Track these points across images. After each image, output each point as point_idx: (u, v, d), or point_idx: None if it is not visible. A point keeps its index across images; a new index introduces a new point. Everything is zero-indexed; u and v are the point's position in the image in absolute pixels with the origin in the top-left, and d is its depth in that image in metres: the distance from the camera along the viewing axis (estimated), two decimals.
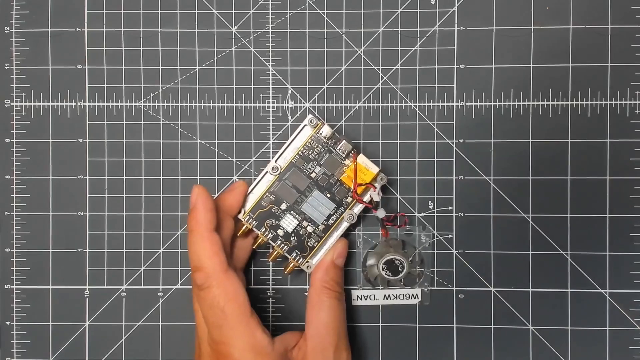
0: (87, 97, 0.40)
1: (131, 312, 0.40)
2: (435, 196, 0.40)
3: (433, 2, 0.40)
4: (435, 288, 0.40)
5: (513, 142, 0.39)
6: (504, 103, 0.39)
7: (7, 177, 0.40)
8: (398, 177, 0.40)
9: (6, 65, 0.40)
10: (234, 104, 0.40)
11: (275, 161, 0.37)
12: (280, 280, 0.40)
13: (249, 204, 0.37)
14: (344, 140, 0.36)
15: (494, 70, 0.39)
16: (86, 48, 0.40)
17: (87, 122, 0.40)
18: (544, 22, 0.39)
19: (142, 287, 0.40)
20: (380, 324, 0.40)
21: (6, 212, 0.40)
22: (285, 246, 0.37)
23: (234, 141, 0.40)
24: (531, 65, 0.39)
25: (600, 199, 0.39)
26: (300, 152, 0.37)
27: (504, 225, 0.39)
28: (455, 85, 0.40)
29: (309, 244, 0.37)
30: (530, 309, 0.39)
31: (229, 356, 0.33)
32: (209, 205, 0.34)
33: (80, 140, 0.40)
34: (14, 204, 0.40)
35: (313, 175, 0.37)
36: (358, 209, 0.37)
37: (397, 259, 0.38)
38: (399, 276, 0.38)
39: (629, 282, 0.39)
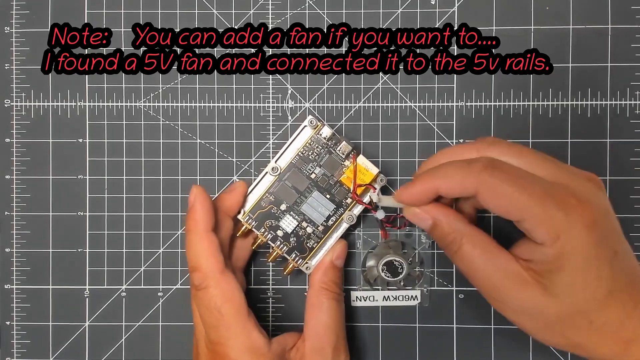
0: (87, 97, 0.40)
1: (131, 312, 0.40)
2: None
3: (433, 2, 0.40)
4: (435, 288, 0.40)
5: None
6: (504, 103, 0.39)
7: (7, 177, 0.40)
8: (398, 177, 0.40)
9: (6, 65, 0.40)
10: (234, 104, 0.40)
11: (275, 162, 0.37)
12: (280, 281, 0.40)
13: (249, 205, 0.37)
14: (344, 141, 0.36)
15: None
16: None
17: (87, 122, 0.40)
18: (544, 22, 0.39)
19: (142, 287, 0.40)
20: (380, 325, 0.40)
21: (6, 212, 0.40)
22: (285, 247, 0.37)
23: (234, 141, 0.40)
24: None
25: None
26: (300, 153, 0.37)
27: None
28: (455, 85, 0.39)
29: (308, 244, 0.37)
30: None
31: (226, 357, 0.33)
32: (207, 205, 0.34)
33: (80, 140, 0.40)
34: (14, 204, 0.40)
35: (313, 176, 0.37)
36: (358, 210, 0.37)
37: (396, 260, 0.38)
38: (399, 277, 0.38)
39: None
